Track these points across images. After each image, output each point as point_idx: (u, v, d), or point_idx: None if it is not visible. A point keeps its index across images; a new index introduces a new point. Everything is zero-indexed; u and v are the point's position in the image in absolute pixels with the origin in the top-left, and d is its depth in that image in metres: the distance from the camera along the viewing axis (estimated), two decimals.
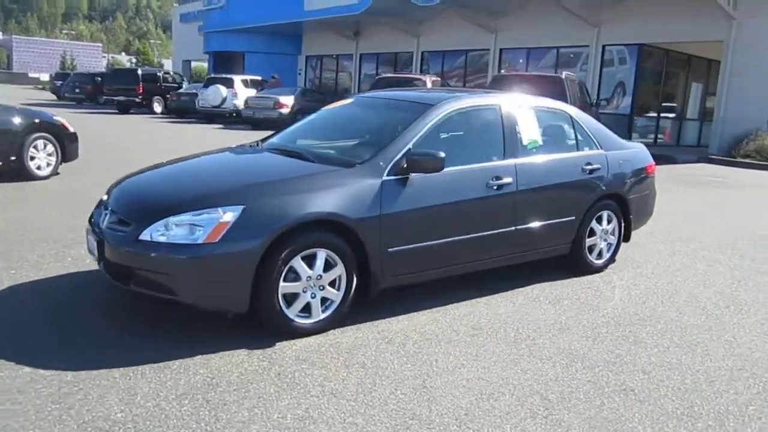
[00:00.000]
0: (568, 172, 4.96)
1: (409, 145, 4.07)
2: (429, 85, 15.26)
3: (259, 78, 23.44)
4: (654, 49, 19.65)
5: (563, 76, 12.61)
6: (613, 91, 19.64)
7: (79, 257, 5.02)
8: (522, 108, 4.86)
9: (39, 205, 6.92)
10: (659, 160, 7.45)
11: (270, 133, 5.20)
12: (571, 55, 21.33)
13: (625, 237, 5.59)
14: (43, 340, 3.49)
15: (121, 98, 24.49)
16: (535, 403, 3.10)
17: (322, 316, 3.75)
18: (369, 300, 3.96)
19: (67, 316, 3.84)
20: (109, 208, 3.84)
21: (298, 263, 3.58)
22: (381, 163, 3.94)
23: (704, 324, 4.31)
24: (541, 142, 4.88)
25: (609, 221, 5.36)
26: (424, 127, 4.20)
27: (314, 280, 3.67)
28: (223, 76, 22.84)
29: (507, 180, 4.47)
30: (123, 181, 4.23)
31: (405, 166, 3.97)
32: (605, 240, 5.37)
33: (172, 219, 3.43)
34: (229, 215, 3.41)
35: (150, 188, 3.92)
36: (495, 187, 4.41)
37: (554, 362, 3.58)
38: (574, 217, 5.01)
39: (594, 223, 5.22)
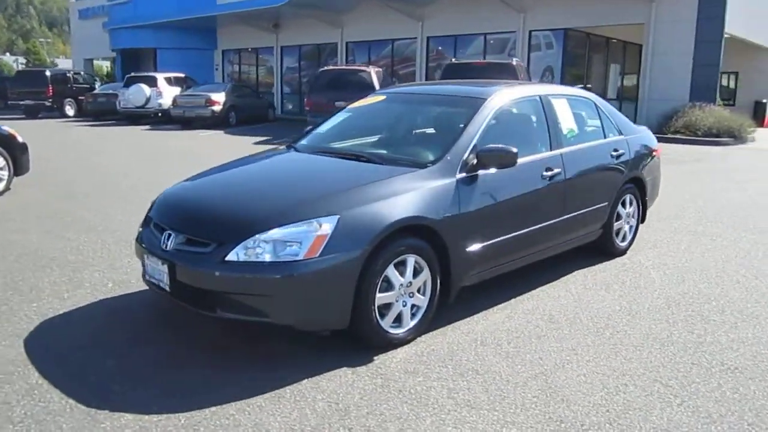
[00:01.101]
0: (602, 160, 5.03)
1: (474, 141, 3.97)
2: (373, 76, 15.11)
3: (183, 75, 22.38)
4: (577, 34, 20.43)
5: (514, 63, 12.87)
6: (542, 75, 20.23)
7: (97, 281, 4.58)
8: (557, 97, 4.87)
9: (10, 226, 6.26)
10: None
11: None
12: (491, 41, 21.76)
13: (642, 218, 5.76)
14: (120, 380, 3.13)
15: (29, 102, 22.68)
16: (661, 391, 3.11)
17: (411, 324, 3.60)
18: (449, 302, 3.85)
19: (130, 349, 3.47)
20: (169, 227, 3.49)
21: (392, 272, 3.41)
22: (452, 162, 3.83)
23: (750, 297, 4.50)
24: (577, 131, 4.91)
25: (630, 204, 5.50)
26: (483, 122, 4.11)
27: (405, 288, 3.51)
28: (145, 74, 21.60)
29: (557, 170, 4.46)
30: (171, 196, 3.87)
31: (474, 162, 3.88)
32: (628, 223, 5.51)
33: (262, 236, 3.16)
34: (326, 226, 3.19)
35: (217, 202, 3.60)
36: (548, 179, 4.40)
37: (649, 348, 3.61)
38: (606, 203, 5.09)
39: (620, 207, 5.34)
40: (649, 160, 5.69)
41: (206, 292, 3.24)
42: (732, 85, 26.71)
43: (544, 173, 4.37)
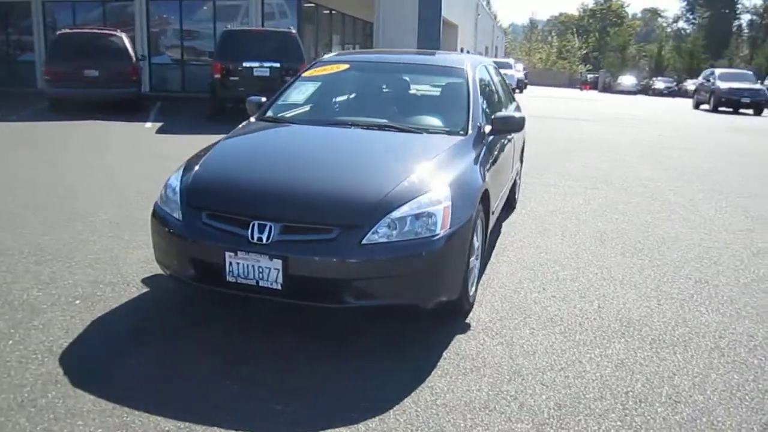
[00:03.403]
0: (518, 121, 5.65)
1: (482, 109, 4.21)
2: (126, 40, 13.43)
3: None
4: (309, 5, 21.03)
5: (293, 32, 12.86)
6: None
7: (65, 292, 3.58)
8: (490, 65, 5.32)
9: None
10: None
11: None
12: (222, 8, 21.06)
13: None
14: (272, 397, 2.68)
15: None
16: (718, 302, 3.91)
17: (475, 285, 3.76)
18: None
19: (232, 364, 2.93)
20: (252, 216, 2.98)
21: (474, 237, 3.51)
22: (477, 128, 4.01)
23: (661, 224, 5.67)
24: (503, 95, 5.45)
25: (520, 161, 6.30)
26: (477, 90, 4.35)
27: (476, 251, 3.64)
28: None
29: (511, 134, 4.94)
30: (227, 181, 3.34)
31: (490, 128, 4.12)
32: (519, 178, 6.32)
33: (395, 213, 2.97)
34: (446, 197, 3.14)
35: (308, 183, 3.18)
36: (508, 140, 4.85)
37: (674, 272, 4.43)
38: (519, 163, 5.79)
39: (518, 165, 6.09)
40: None
41: (334, 283, 2.93)
42: None
43: (508, 135, 4.81)
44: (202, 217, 3.12)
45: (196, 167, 3.42)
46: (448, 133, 3.91)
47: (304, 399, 2.68)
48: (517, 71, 33.55)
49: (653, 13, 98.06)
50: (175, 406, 2.58)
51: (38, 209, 5.52)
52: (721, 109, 22.97)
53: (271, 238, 2.93)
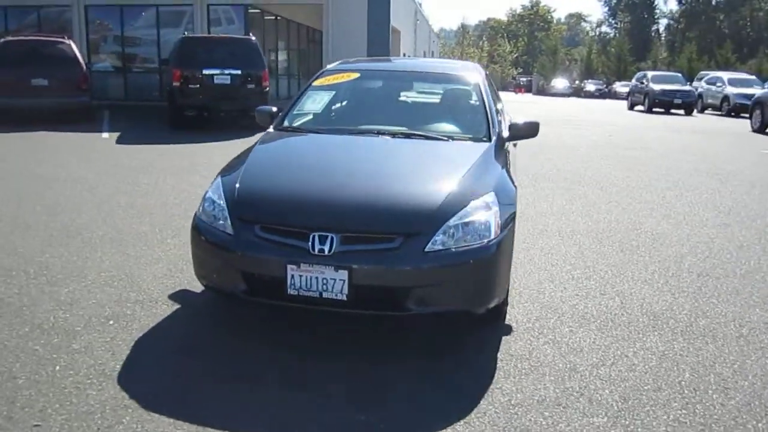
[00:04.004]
0: None
1: (497, 116, 4.33)
2: (74, 47, 12.89)
3: None
4: (255, 12, 20.83)
5: (253, 39, 12.70)
6: None
7: (92, 315, 3.45)
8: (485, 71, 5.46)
9: None
10: None
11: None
12: (165, 14, 20.59)
13: None
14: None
15: None
16: (738, 297, 4.13)
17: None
18: None
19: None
20: (309, 228, 2.97)
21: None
22: (500, 135, 4.13)
23: (645, 221, 5.95)
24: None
25: None
26: (489, 95, 4.47)
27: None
28: None
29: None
30: (279, 193, 3.30)
31: (507, 134, 4.25)
32: None
33: (453, 221, 3.03)
34: (494, 203, 3.22)
35: (363, 192, 3.21)
36: (513, 145, 5.00)
37: (676, 267, 4.61)
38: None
39: None
40: None
41: (397, 291, 2.97)
42: None
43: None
44: (255, 230, 3.08)
45: (237, 179, 3.37)
46: (472, 139, 4.01)
47: (381, 407, 2.70)
48: None
49: (578, 18, 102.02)
50: (260, 424, 2.55)
51: (29, 227, 5.27)
52: (654, 109, 24.20)
53: (333, 249, 2.94)
